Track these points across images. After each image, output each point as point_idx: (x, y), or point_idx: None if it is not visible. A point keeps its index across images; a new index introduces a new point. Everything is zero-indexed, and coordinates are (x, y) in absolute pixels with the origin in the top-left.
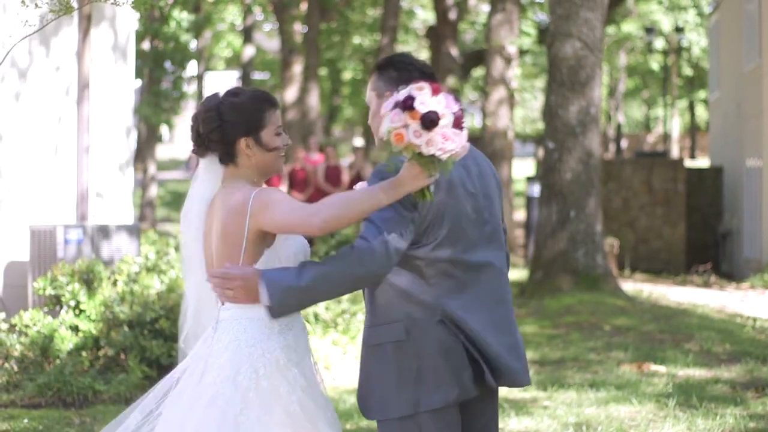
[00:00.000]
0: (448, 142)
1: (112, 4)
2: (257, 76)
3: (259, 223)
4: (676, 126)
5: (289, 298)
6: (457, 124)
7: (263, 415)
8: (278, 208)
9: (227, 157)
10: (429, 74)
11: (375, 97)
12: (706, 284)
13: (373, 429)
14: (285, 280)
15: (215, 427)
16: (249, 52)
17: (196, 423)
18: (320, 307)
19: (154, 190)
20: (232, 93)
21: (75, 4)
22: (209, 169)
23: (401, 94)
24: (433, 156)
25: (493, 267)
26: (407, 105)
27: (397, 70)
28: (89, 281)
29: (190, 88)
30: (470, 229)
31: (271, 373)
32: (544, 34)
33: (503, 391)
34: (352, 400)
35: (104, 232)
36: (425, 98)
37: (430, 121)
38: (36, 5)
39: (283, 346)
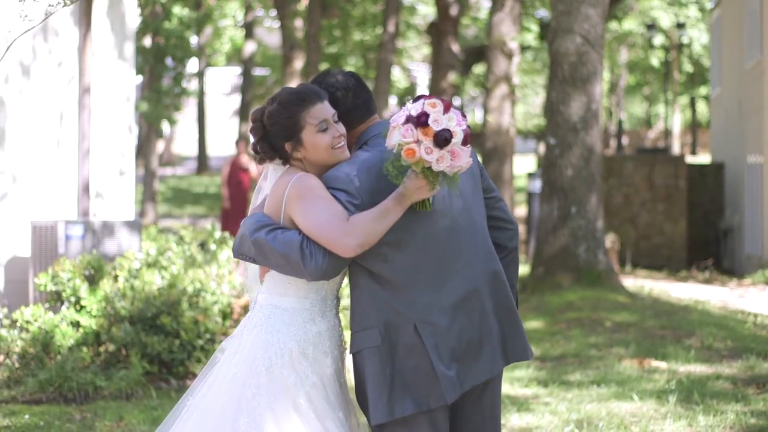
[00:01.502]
0: (457, 159)
1: None
2: (258, 72)
3: (290, 211)
4: (677, 122)
5: (242, 245)
6: (467, 141)
7: (273, 402)
8: (312, 208)
9: (286, 161)
10: (351, 88)
11: None
12: (708, 280)
13: None
14: (247, 228)
15: (234, 405)
16: (250, 47)
17: (221, 399)
18: None
19: (155, 186)
20: (270, 100)
21: None
22: (274, 176)
23: (414, 110)
24: (441, 171)
25: (458, 262)
26: (421, 121)
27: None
28: (90, 277)
29: (191, 85)
30: (429, 228)
31: (283, 363)
32: (545, 30)
33: (504, 388)
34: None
35: (105, 227)
36: (438, 116)
37: (444, 140)
38: (26, 15)
39: (299, 339)
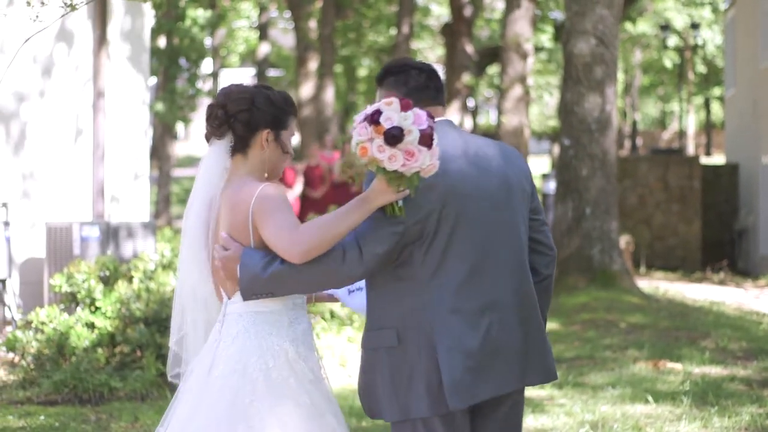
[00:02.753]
0: (412, 159)
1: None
2: (272, 73)
3: (257, 224)
4: (692, 123)
5: (254, 285)
6: (425, 141)
7: (275, 406)
8: (271, 220)
9: (241, 145)
10: (426, 70)
11: None
12: (722, 282)
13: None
14: (253, 268)
15: (224, 419)
16: (264, 49)
17: (203, 417)
18: (336, 305)
19: (169, 188)
20: (264, 86)
21: (82, 1)
22: (217, 160)
23: (370, 108)
24: (396, 172)
25: (489, 271)
26: (374, 119)
27: (394, 74)
28: (105, 278)
29: (206, 86)
30: (465, 232)
31: (281, 365)
32: (559, 31)
33: None
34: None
35: (120, 229)
36: (392, 113)
37: (392, 136)
38: (42, 3)
39: (292, 339)
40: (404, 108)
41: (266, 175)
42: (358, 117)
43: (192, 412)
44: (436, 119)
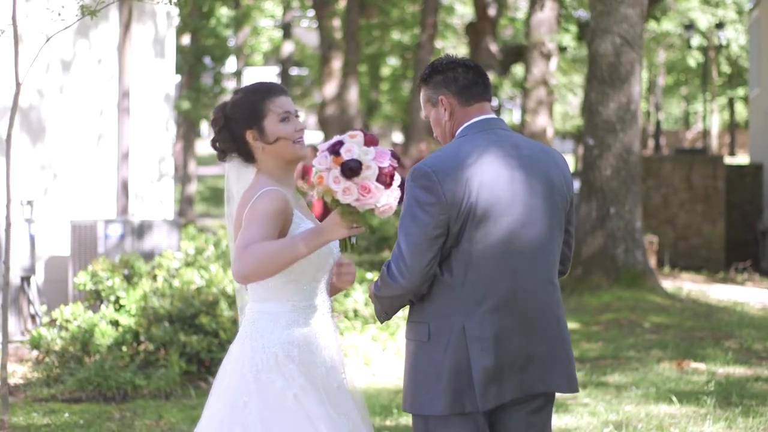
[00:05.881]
0: (367, 196)
1: (156, 3)
2: (296, 71)
3: None
4: (716, 123)
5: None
6: (384, 179)
7: (263, 409)
8: (241, 232)
9: (246, 155)
10: (472, 67)
11: (430, 106)
12: (746, 282)
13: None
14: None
15: (228, 414)
16: (288, 47)
17: (216, 409)
18: (359, 303)
19: (193, 186)
20: (233, 92)
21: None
22: (234, 175)
23: (336, 138)
24: (350, 206)
25: (524, 277)
26: (334, 149)
27: (442, 72)
28: (129, 276)
29: (230, 84)
30: (500, 233)
31: (269, 367)
32: (584, 31)
33: None
34: (391, 396)
35: (144, 227)
36: (353, 146)
37: (349, 169)
38: (62, 6)
39: (283, 342)
40: (368, 143)
41: (279, 169)
42: (323, 145)
43: (211, 405)
44: (486, 116)
